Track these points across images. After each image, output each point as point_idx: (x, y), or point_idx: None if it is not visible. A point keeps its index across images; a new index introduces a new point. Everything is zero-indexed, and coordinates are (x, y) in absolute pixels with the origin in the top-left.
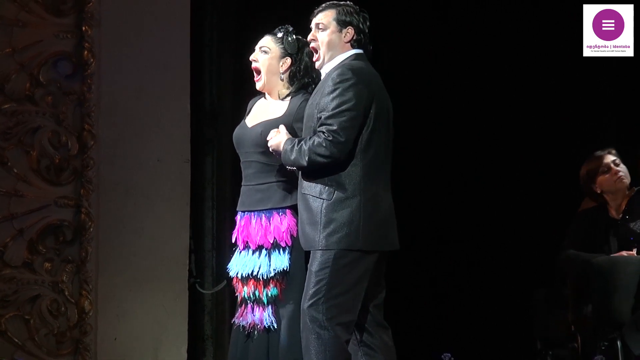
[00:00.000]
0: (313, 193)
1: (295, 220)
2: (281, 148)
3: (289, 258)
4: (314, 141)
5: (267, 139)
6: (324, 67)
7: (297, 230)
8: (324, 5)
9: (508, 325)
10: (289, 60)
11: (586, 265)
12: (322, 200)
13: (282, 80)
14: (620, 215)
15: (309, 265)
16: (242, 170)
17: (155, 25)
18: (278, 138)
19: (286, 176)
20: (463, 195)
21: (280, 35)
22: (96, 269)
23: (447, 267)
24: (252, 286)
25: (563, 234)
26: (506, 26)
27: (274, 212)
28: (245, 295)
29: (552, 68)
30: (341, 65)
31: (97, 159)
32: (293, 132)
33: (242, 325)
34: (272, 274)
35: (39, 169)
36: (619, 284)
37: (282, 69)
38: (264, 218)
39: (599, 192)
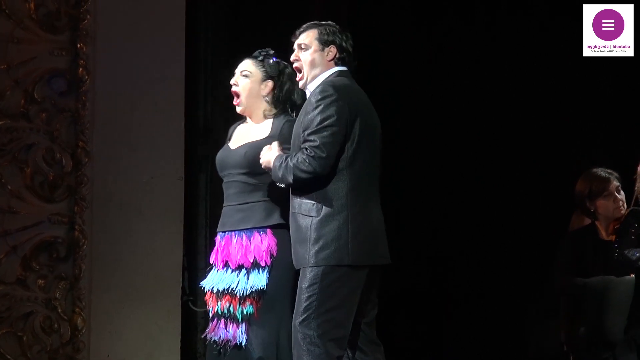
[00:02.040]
0: (302, 211)
1: (275, 239)
2: (271, 164)
3: (267, 277)
4: (297, 158)
5: (260, 156)
6: (308, 86)
7: (277, 250)
8: (305, 25)
9: (501, 345)
10: (270, 83)
11: (579, 286)
12: (310, 217)
13: (267, 102)
14: (611, 237)
15: (299, 282)
16: (224, 191)
17: (149, 42)
18: (269, 155)
19: (268, 196)
20: (457, 203)
21: (260, 58)
22: (89, 286)
23: (441, 283)
24: (227, 302)
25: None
26: (506, 26)
27: (255, 232)
28: (219, 310)
29: (552, 68)
30: (323, 82)
31: (91, 176)
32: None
33: (214, 340)
34: (249, 292)
35: (32, 186)
36: (612, 304)
37: (264, 92)
38: (244, 237)
39: (592, 210)
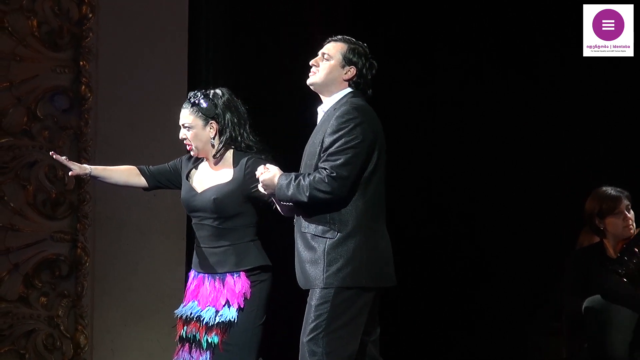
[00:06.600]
0: (315, 232)
1: (249, 282)
2: (275, 182)
3: (237, 313)
4: (314, 177)
5: (257, 175)
6: (323, 105)
7: (251, 292)
8: (339, 36)
9: None
10: (214, 124)
11: (581, 305)
12: (325, 239)
13: (213, 146)
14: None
15: (308, 299)
16: (194, 229)
17: (152, 60)
18: (270, 173)
19: (240, 239)
20: (460, 220)
21: (193, 105)
22: (91, 303)
23: (442, 297)
24: (193, 328)
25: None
26: (506, 26)
27: (228, 275)
28: (184, 334)
29: (552, 68)
30: (344, 103)
31: (93, 193)
32: (244, 197)
33: None
34: (217, 322)
35: (35, 204)
36: (615, 321)
37: (211, 134)
38: (217, 280)
39: (601, 228)
